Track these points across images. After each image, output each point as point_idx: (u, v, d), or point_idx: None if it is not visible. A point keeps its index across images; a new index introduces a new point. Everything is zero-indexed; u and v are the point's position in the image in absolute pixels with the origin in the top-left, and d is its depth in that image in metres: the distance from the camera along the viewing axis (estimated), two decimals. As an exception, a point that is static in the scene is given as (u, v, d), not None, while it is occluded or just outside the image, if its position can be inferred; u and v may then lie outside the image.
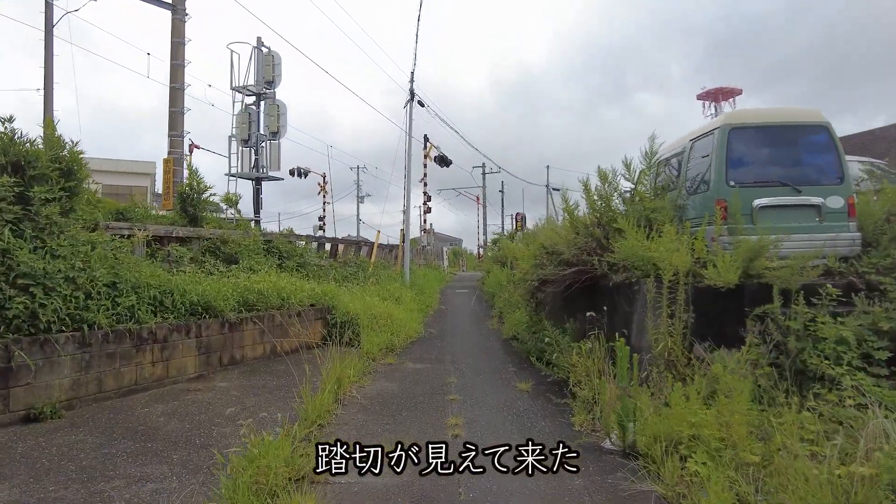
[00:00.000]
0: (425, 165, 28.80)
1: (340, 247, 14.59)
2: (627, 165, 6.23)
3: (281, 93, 15.80)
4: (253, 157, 14.77)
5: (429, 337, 9.96)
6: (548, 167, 44.39)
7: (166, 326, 6.10)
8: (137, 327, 5.72)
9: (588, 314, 5.74)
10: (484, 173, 48.53)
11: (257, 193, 14.69)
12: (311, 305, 8.93)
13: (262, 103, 14.88)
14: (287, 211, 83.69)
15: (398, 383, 6.37)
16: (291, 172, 38.48)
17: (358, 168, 48.10)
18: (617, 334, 5.57)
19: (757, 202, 5.41)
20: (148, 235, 7.66)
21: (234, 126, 14.47)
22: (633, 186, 6.53)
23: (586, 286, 6.61)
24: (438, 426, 4.34)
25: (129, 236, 7.51)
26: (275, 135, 14.72)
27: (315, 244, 13.16)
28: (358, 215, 49.55)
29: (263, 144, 14.90)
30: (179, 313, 6.33)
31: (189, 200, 8.98)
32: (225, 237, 9.47)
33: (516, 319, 9.71)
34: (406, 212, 16.33)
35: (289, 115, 14.73)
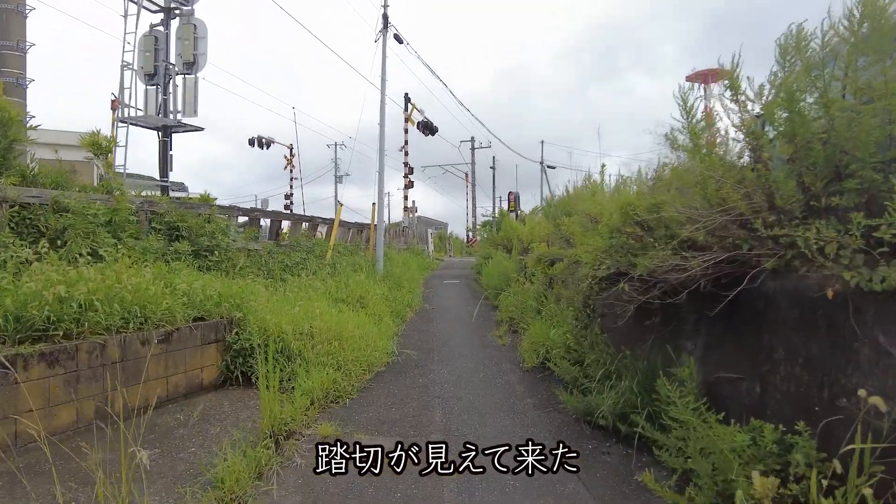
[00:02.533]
0: (406, 131, 25.04)
1: (285, 224, 10.91)
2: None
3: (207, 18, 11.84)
4: (160, 98, 10.89)
5: (404, 364, 6.45)
6: (542, 142, 40.84)
7: None
8: None
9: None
10: (473, 148, 45.13)
11: (165, 148, 10.83)
12: (199, 319, 5.35)
13: (174, 23, 10.99)
14: (271, 193, 78.21)
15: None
16: (251, 142, 34.48)
17: (336, 145, 44.17)
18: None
19: None
20: None
21: (126, 51, 10.46)
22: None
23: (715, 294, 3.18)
24: None
25: None
26: (191, 66, 10.86)
27: (243, 219, 9.47)
28: (336, 196, 45.70)
29: (175, 81, 11.01)
30: None
31: (-22, 135, 5.24)
32: (59, 202, 5.79)
33: (542, 335, 6.27)
34: (380, 175, 12.64)
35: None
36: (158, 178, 11.11)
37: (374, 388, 5.43)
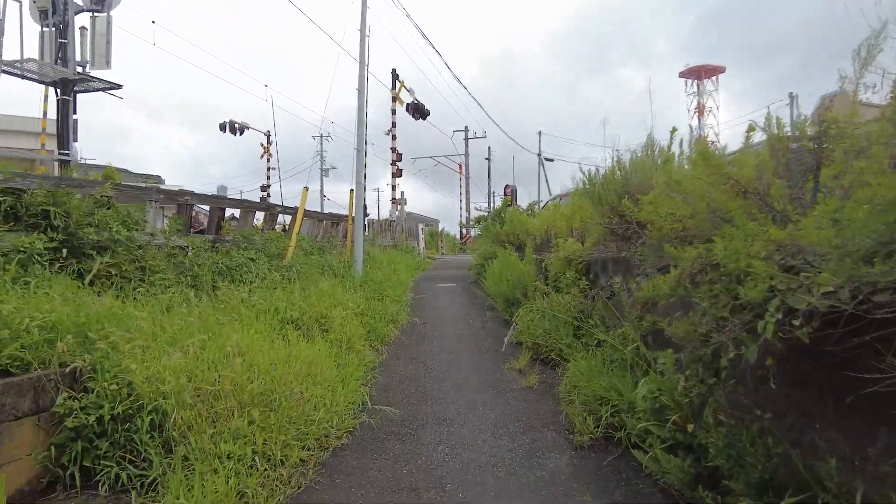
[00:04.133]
0: (394, 112, 22.61)
1: (231, 214, 8.52)
2: None
3: None
4: (57, 43, 8.40)
5: (379, 431, 4.14)
6: (539, 133, 38.53)
7: None
8: None
9: None
10: (466, 138, 42.94)
11: (66, 109, 8.37)
12: (3, 374, 2.99)
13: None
14: (255, 186, 74.15)
15: None
16: (222, 128, 31.77)
17: (321, 136, 41.54)
18: None
19: None
20: None
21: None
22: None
23: None
24: None
25: None
26: (101, 3, 8.44)
27: (163, 206, 7.07)
28: (321, 191, 43.17)
29: (78, 23, 8.50)
30: None
31: None
32: None
33: (601, 384, 4.01)
34: (359, 152, 10.23)
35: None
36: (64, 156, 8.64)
37: (321, 500, 3.11)
